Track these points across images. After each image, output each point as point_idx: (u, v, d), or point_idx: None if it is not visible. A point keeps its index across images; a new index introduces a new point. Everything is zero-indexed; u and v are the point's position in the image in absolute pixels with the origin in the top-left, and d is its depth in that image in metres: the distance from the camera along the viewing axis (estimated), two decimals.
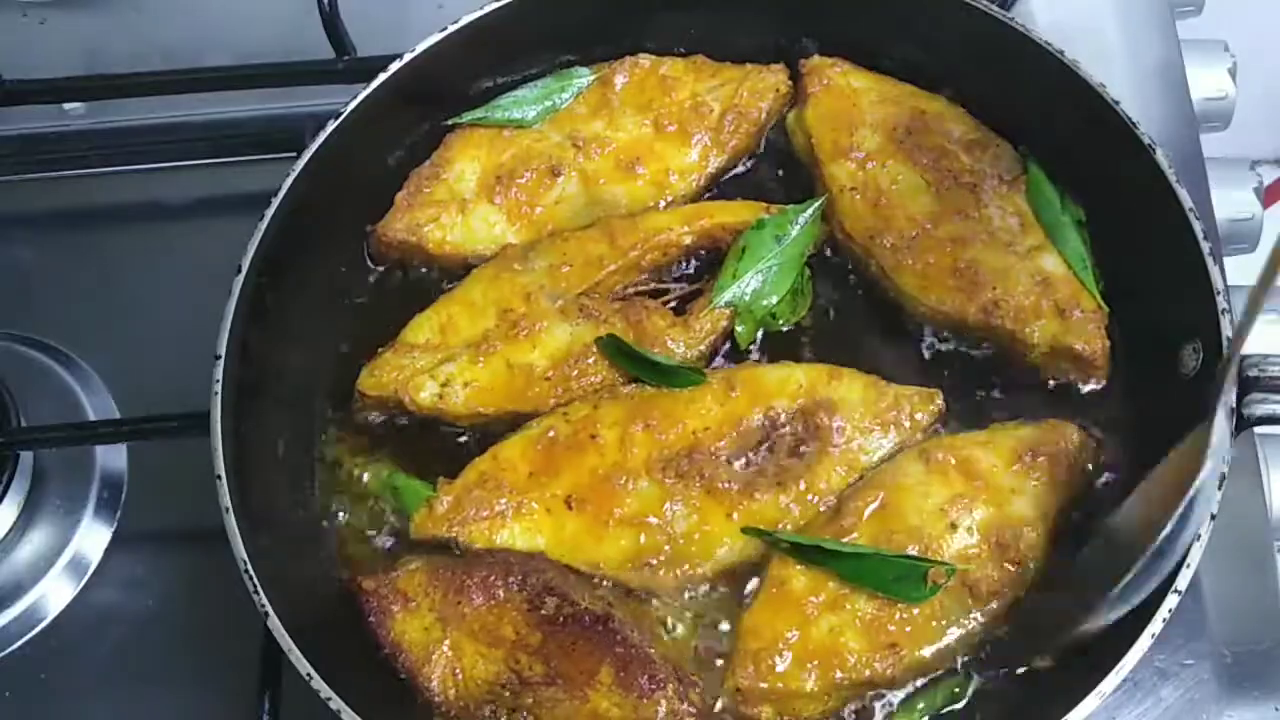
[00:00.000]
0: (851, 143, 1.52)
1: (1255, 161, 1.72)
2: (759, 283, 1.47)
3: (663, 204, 1.55)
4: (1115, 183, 1.45)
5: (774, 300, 1.48)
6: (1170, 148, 1.63)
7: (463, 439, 1.45)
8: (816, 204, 1.51)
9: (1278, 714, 1.41)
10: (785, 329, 1.49)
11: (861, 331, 1.50)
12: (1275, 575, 1.48)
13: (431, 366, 1.44)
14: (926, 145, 1.51)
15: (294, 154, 1.66)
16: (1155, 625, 1.20)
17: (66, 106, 1.84)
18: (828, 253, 1.54)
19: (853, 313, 1.51)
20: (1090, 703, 1.19)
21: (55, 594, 1.55)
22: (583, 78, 1.59)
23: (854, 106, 1.54)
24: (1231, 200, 1.67)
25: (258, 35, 1.82)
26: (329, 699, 1.21)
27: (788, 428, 1.39)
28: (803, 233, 1.50)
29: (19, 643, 1.53)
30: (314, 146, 1.46)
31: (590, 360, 1.43)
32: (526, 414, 1.43)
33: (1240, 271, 1.60)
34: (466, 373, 1.43)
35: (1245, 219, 1.68)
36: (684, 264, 1.54)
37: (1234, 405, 1.27)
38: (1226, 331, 1.30)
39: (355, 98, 1.49)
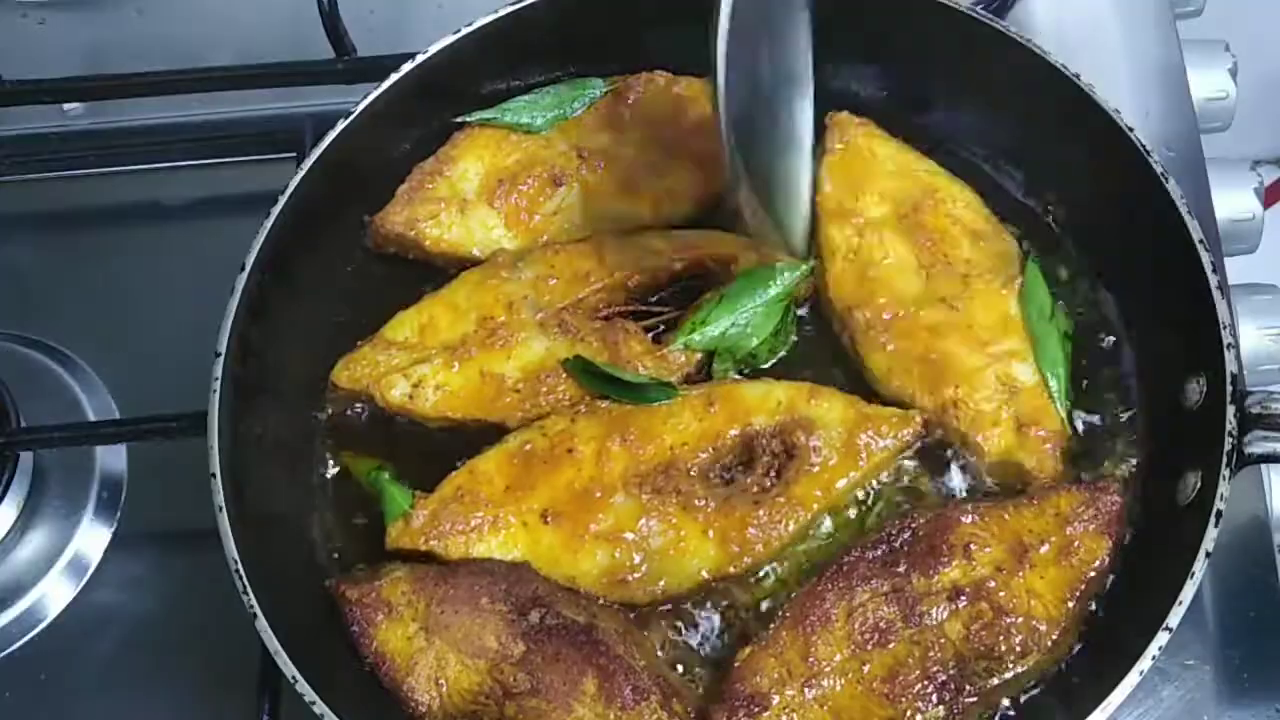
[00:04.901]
0: (856, 207, 1.49)
1: (1256, 162, 1.72)
2: (739, 328, 1.46)
3: (659, 224, 1.54)
4: (1124, 209, 1.43)
5: (754, 343, 1.46)
6: (1171, 148, 1.64)
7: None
8: (803, 267, 1.48)
9: (1278, 715, 1.41)
10: (765, 366, 1.48)
11: (841, 368, 1.48)
12: (1276, 575, 1.47)
13: (405, 365, 1.44)
14: (930, 225, 1.48)
15: (294, 154, 1.67)
16: (1144, 663, 1.19)
17: (66, 107, 1.84)
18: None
19: (835, 354, 1.49)
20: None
21: (55, 594, 1.55)
22: (596, 89, 1.58)
23: (868, 172, 1.51)
24: (1232, 201, 1.67)
25: (258, 35, 1.82)
26: (313, 703, 1.21)
27: (765, 445, 1.39)
28: (786, 288, 1.47)
29: (19, 643, 1.53)
30: (324, 144, 1.46)
31: (561, 376, 1.43)
32: (493, 423, 1.43)
33: (1240, 272, 1.61)
34: (439, 375, 1.43)
35: (1246, 219, 1.68)
36: (672, 287, 1.52)
37: (1235, 442, 1.26)
38: (1231, 366, 1.28)
39: (367, 96, 1.48)
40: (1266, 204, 1.70)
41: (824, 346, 1.49)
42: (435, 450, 1.45)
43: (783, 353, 1.48)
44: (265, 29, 1.84)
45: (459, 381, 1.43)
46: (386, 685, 1.30)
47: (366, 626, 1.31)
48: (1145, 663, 1.19)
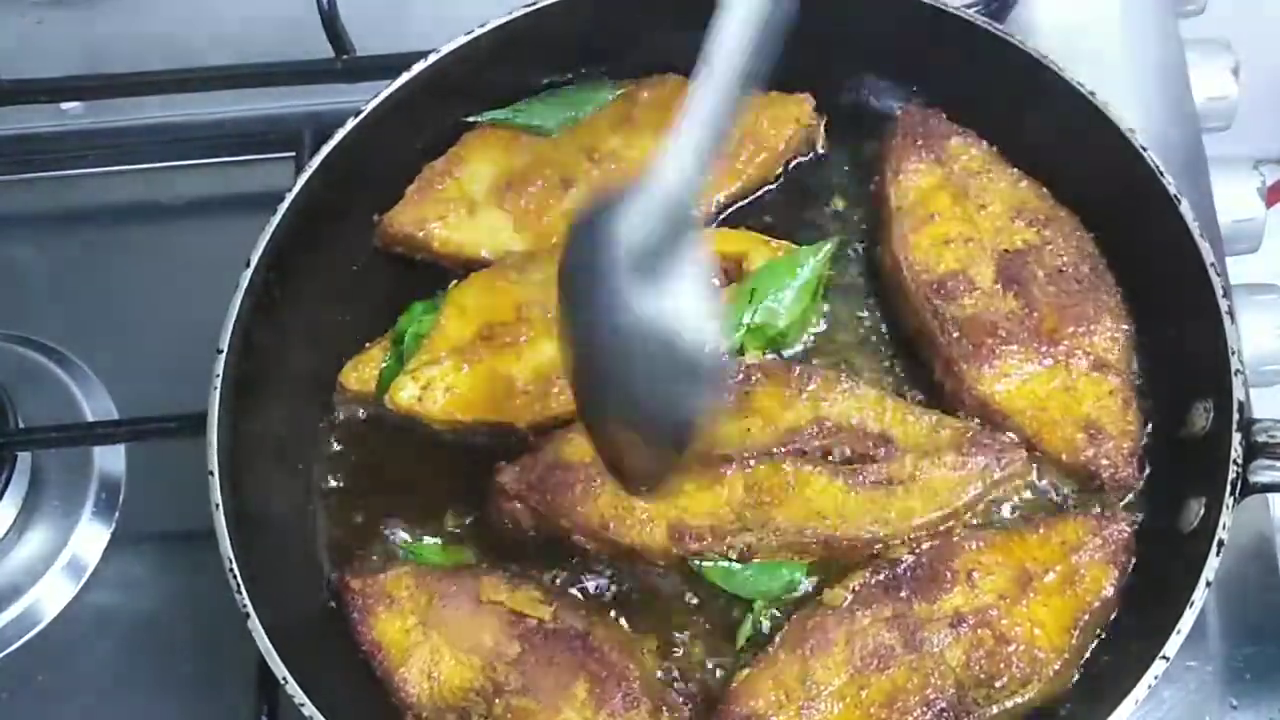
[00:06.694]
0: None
1: (1258, 161, 1.71)
2: (770, 308, 1.46)
3: None
4: (1134, 229, 1.43)
5: (782, 324, 1.46)
6: (1172, 148, 1.64)
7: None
8: (826, 247, 1.49)
9: None
10: (794, 351, 1.48)
11: (870, 351, 1.48)
12: (1277, 577, 1.46)
13: (415, 368, 1.43)
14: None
15: (293, 154, 1.67)
16: (1140, 692, 1.19)
17: (65, 106, 1.83)
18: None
19: (863, 337, 1.49)
20: None
21: (53, 595, 1.54)
22: (607, 91, 1.57)
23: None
24: (1234, 200, 1.66)
25: (257, 35, 1.81)
26: (302, 704, 1.21)
27: None
28: (814, 272, 1.47)
29: (16, 644, 1.52)
30: (333, 142, 1.46)
31: None
32: (503, 424, 1.42)
33: (1243, 272, 1.60)
34: (448, 378, 1.43)
35: (1248, 219, 1.67)
36: None
37: (1240, 470, 1.25)
38: (1239, 393, 1.28)
39: (378, 95, 1.48)
40: (1269, 203, 1.69)
41: (852, 329, 1.49)
42: (441, 453, 1.45)
43: (811, 334, 1.48)
44: (265, 28, 1.83)
45: (468, 384, 1.43)
46: (379, 674, 1.31)
47: (366, 615, 1.32)
48: (1141, 691, 1.18)
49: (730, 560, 1.33)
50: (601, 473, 1.33)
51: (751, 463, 1.34)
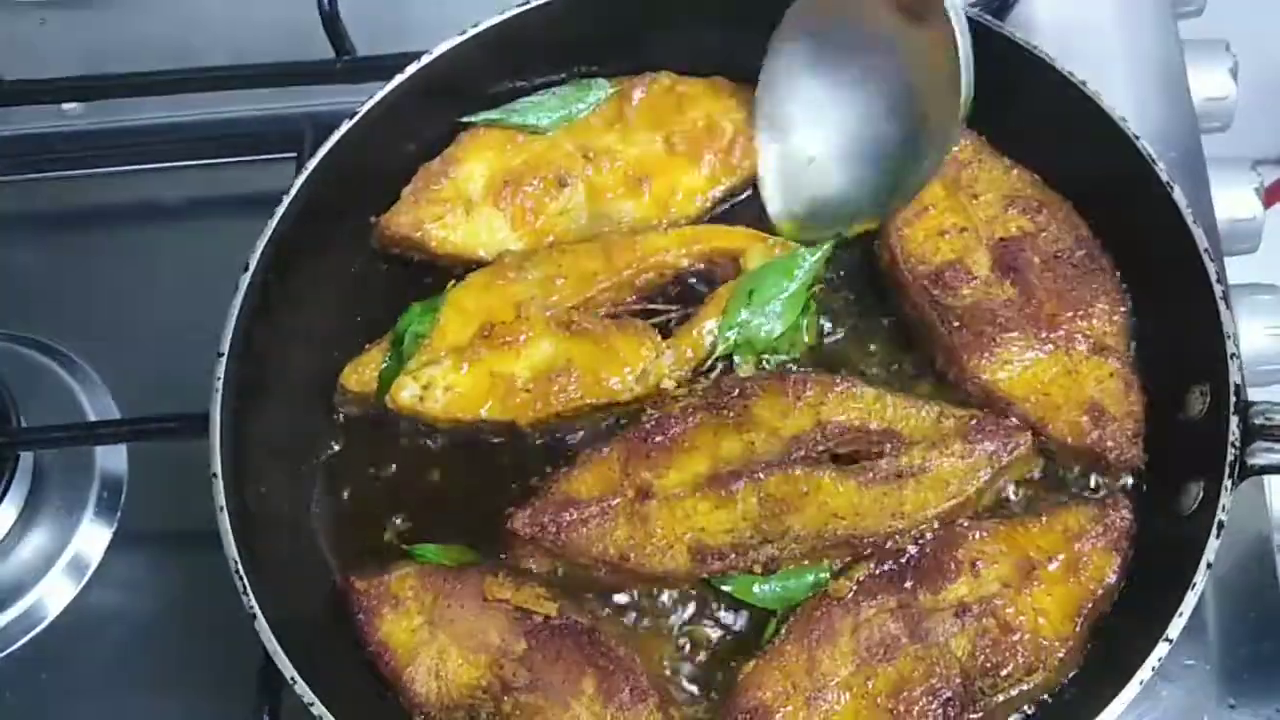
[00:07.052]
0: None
1: (1256, 161, 1.72)
2: (761, 319, 1.46)
3: (665, 223, 1.54)
4: (1128, 217, 1.43)
5: (776, 333, 1.47)
6: (1171, 148, 1.64)
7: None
8: (824, 248, 1.50)
9: (1278, 715, 1.41)
10: (787, 359, 1.48)
11: (869, 358, 1.48)
12: (1276, 576, 1.47)
13: (415, 368, 1.44)
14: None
15: (293, 154, 1.67)
16: (1144, 673, 1.19)
17: (65, 106, 1.83)
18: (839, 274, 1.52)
19: (857, 339, 1.49)
20: None
21: (55, 595, 1.55)
22: (601, 90, 1.58)
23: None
24: (1232, 200, 1.66)
25: (257, 35, 1.81)
26: (311, 704, 1.21)
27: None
28: (809, 273, 1.48)
29: (19, 643, 1.52)
30: (329, 144, 1.46)
31: (572, 376, 1.43)
32: (504, 423, 1.43)
33: (1241, 272, 1.61)
34: (449, 377, 1.43)
35: (1246, 219, 1.68)
36: (679, 285, 1.52)
37: (1238, 453, 1.26)
38: (1235, 377, 1.28)
39: (373, 96, 1.48)
40: (1267, 204, 1.69)
41: (852, 326, 1.49)
42: (442, 453, 1.45)
43: (806, 345, 1.48)
44: (265, 29, 1.83)
45: (468, 383, 1.43)
46: (386, 675, 1.31)
47: (371, 616, 1.32)
48: (1145, 673, 1.19)
49: (755, 574, 1.33)
50: (614, 506, 1.34)
51: (760, 475, 1.34)
